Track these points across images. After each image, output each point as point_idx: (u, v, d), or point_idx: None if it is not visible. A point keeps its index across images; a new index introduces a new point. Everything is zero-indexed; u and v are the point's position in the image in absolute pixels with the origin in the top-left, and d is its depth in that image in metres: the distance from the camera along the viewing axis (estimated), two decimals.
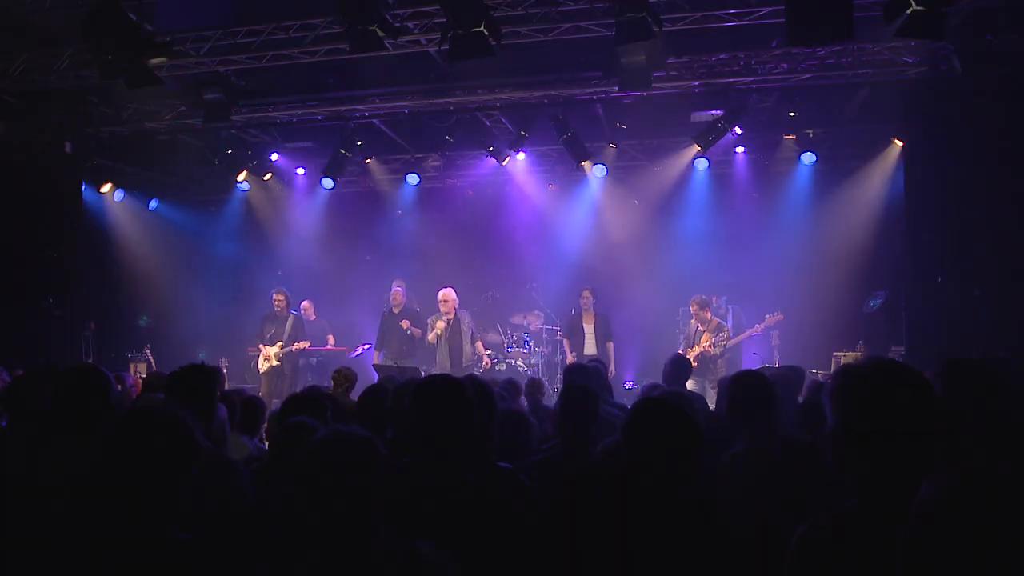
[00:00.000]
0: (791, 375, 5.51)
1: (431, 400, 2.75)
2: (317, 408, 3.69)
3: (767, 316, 9.63)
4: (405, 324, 10.43)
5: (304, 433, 3.02)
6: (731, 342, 9.45)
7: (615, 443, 2.93)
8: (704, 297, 9.59)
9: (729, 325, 9.97)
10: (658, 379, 5.99)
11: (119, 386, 3.72)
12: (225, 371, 9.84)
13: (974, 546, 1.20)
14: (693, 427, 2.55)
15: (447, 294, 10.12)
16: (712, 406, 6.22)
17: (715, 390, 7.20)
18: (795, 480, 3.16)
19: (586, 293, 10.30)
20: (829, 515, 1.85)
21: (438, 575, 2.03)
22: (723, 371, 8.81)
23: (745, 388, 3.63)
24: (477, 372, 9.56)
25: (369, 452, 2.03)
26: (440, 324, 10.02)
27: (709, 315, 9.49)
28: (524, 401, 5.68)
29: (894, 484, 1.69)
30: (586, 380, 4.88)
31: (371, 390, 4.50)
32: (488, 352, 10.46)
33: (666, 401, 2.67)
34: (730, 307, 10.78)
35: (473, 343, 10.15)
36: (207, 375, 3.51)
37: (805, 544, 1.81)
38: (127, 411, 2.30)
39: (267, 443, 4.74)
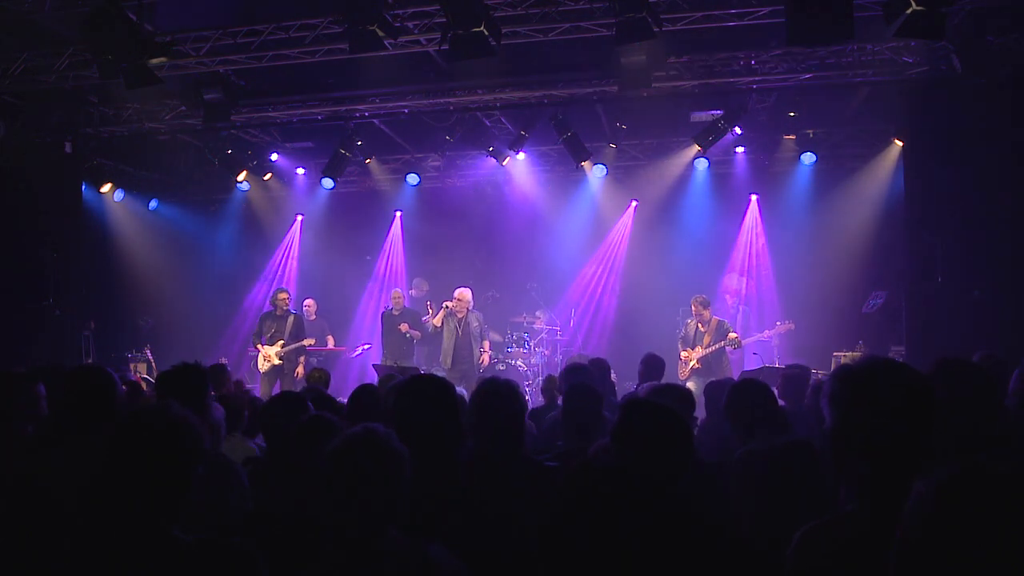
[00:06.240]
0: (800, 374, 5.52)
1: (409, 401, 2.75)
2: (300, 408, 3.44)
3: (777, 323, 9.60)
4: (404, 327, 10.45)
5: (322, 431, 2.92)
6: (745, 341, 9.44)
7: (605, 445, 2.92)
8: (705, 297, 9.55)
9: (739, 326, 9.93)
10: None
11: (123, 387, 3.69)
12: None
13: (965, 545, 1.19)
14: (681, 427, 2.54)
15: (462, 293, 10.17)
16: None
17: None
18: (805, 481, 3.15)
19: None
20: (828, 518, 1.84)
21: None
22: (728, 372, 8.78)
23: (754, 389, 3.62)
24: (478, 373, 9.56)
25: (396, 452, 2.04)
26: (440, 313, 10.10)
27: (709, 314, 9.46)
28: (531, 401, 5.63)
29: (892, 485, 1.67)
30: (588, 380, 4.85)
31: (362, 390, 4.43)
32: (489, 352, 10.46)
33: (653, 403, 2.66)
34: (740, 307, 10.74)
35: (480, 343, 10.17)
36: (197, 375, 3.47)
37: (803, 547, 1.80)
38: (131, 411, 2.29)
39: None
